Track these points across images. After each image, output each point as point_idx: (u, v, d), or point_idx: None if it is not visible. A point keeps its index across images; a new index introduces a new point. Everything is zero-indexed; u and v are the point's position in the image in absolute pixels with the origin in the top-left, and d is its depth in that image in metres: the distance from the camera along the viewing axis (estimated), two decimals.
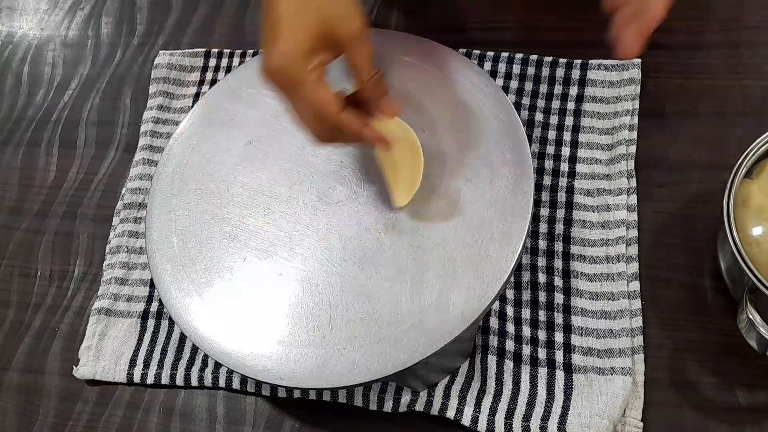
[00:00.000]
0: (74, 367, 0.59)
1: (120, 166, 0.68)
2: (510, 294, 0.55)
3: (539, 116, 0.61)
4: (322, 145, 0.47)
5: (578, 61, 0.62)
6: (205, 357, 0.57)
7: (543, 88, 0.62)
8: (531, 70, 0.63)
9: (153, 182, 0.54)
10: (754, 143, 0.48)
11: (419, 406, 0.53)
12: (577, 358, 0.52)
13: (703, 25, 0.63)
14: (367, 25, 0.45)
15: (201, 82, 0.69)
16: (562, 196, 0.58)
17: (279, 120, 0.54)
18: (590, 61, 0.62)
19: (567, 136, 0.60)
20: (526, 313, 0.55)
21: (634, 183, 0.57)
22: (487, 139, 0.50)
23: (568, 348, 0.53)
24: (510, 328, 0.54)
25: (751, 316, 0.45)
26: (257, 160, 0.53)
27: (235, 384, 0.56)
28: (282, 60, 0.43)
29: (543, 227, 0.57)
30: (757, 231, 0.46)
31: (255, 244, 0.50)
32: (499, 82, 0.63)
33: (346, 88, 0.47)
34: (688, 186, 0.57)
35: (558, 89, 0.62)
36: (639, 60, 0.61)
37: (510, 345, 0.54)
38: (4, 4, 0.80)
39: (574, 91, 0.61)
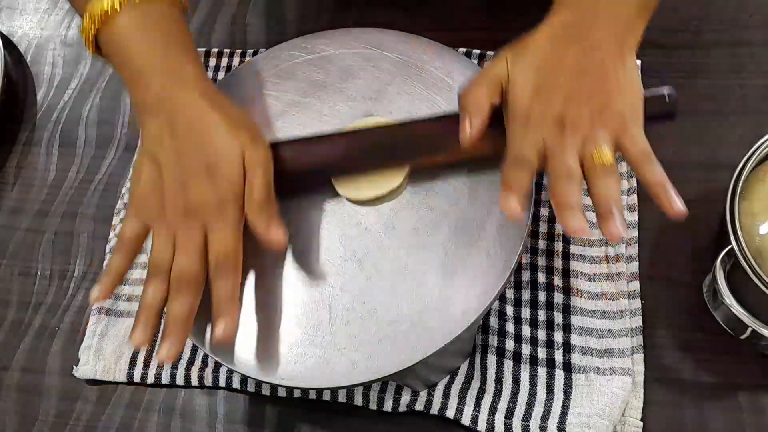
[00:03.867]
0: (74, 366, 0.59)
1: (120, 165, 0.68)
2: (510, 293, 0.55)
3: None
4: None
5: None
6: (205, 357, 0.57)
7: None
8: None
9: None
10: (757, 144, 0.48)
11: (419, 406, 0.53)
12: (576, 358, 0.52)
13: (703, 25, 0.63)
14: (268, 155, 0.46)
15: None
16: None
17: (279, 120, 0.54)
18: None
19: None
20: (525, 313, 0.55)
21: (634, 183, 0.57)
22: None
23: (567, 347, 0.53)
24: (510, 327, 0.54)
25: (718, 283, 0.46)
26: None
27: (235, 384, 0.56)
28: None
29: (543, 227, 0.57)
30: (758, 231, 0.46)
31: (255, 244, 0.50)
32: None
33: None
34: (689, 186, 0.57)
35: None
36: (638, 61, 0.61)
37: (510, 344, 0.54)
38: (4, 4, 0.79)
39: None
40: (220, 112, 0.45)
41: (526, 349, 0.54)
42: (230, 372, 0.56)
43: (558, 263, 0.56)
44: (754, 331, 0.46)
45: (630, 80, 0.43)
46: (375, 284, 0.46)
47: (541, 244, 0.56)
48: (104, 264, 0.63)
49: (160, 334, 0.43)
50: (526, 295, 0.55)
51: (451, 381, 0.53)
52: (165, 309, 0.44)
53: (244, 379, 0.56)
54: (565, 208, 0.41)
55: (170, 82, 0.45)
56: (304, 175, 0.48)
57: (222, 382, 0.56)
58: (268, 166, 0.45)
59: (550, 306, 0.55)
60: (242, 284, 0.49)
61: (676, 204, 0.41)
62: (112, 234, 0.64)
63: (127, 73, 0.46)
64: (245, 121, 0.47)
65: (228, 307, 0.44)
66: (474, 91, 0.45)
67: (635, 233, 0.56)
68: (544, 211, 0.57)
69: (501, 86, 0.44)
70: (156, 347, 0.46)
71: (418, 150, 0.47)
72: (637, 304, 0.54)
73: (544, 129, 0.42)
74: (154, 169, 0.44)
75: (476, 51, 0.64)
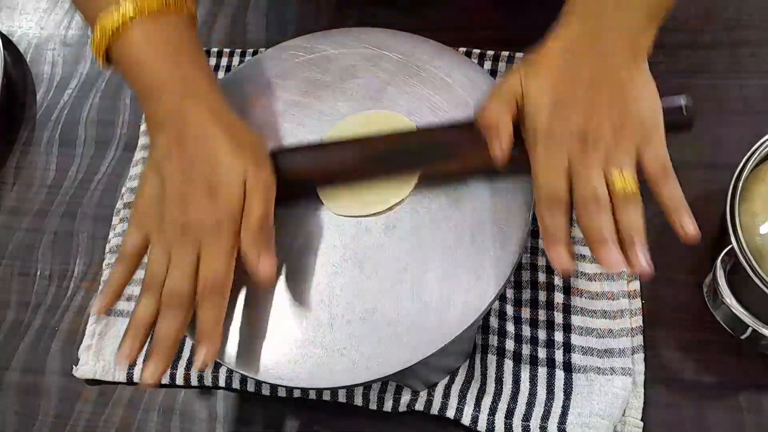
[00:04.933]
0: (74, 366, 0.59)
1: (120, 165, 0.68)
2: (510, 293, 0.55)
3: None
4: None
5: None
6: None
7: None
8: None
9: None
10: (757, 144, 0.48)
11: (419, 406, 0.53)
12: (576, 358, 0.52)
13: (703, 24, 0.63)
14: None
15: None
16: None
17: (279, 119, 0.54)
18: None
19: None
20: (525, 313, 0.55)
21: None
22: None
23: (567, 347, 0.53)
24: (510, 327, 0.54)
25: (718, 283, 0.45)
26: None
27: (235, 384, 0.56)
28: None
29: None
30: (758, 230, 0.46)
31: None
32: None
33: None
34: (689, 186, 0.57)
35: None
36: None
37: (510, 344, 0.54)
38: (4, 4, 0.79)
39: None
40: (227, 130, 0.45)
41: (526, 349, 0.54)
42: (230, 372, 0.56)
43: None
44: (754, 331, 0.46)
45: (646, 85, 0.43)
46: (375, 284, 0.46)
47: (542, 243, 0.56)
48: (104, 264, 0.63)
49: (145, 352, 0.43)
50: (526, 294, 0.55)
51: (452, 381, 0.53)
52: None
53: (244, 379, 0.56)
54: (601, 243, 0.41)
55: (180, 97, 0.45)
56: (310, 183, 0.48)
57: (222, 382, 0.56)
58: (269, 192, 0.45)
59: (550, 306, 0.55)
60: (241, 285, 0.49)
61: (689, 227, 0.41)
62: (112, 234, 0.64)
63: (139, 86, 0.47)
64: (252, 140, 0.46)
65: (211, 334, 0.43)
66: (494, 109, 0.44)
67: None
68: None
69: (516, 103, 0.44)
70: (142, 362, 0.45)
71: (429, 158, 0.47)
72: (637, 304, 0.54)
73: (566, 146, 0.42)
74: (158, 182, 0.44)
75: (476, 51, 0.64)
